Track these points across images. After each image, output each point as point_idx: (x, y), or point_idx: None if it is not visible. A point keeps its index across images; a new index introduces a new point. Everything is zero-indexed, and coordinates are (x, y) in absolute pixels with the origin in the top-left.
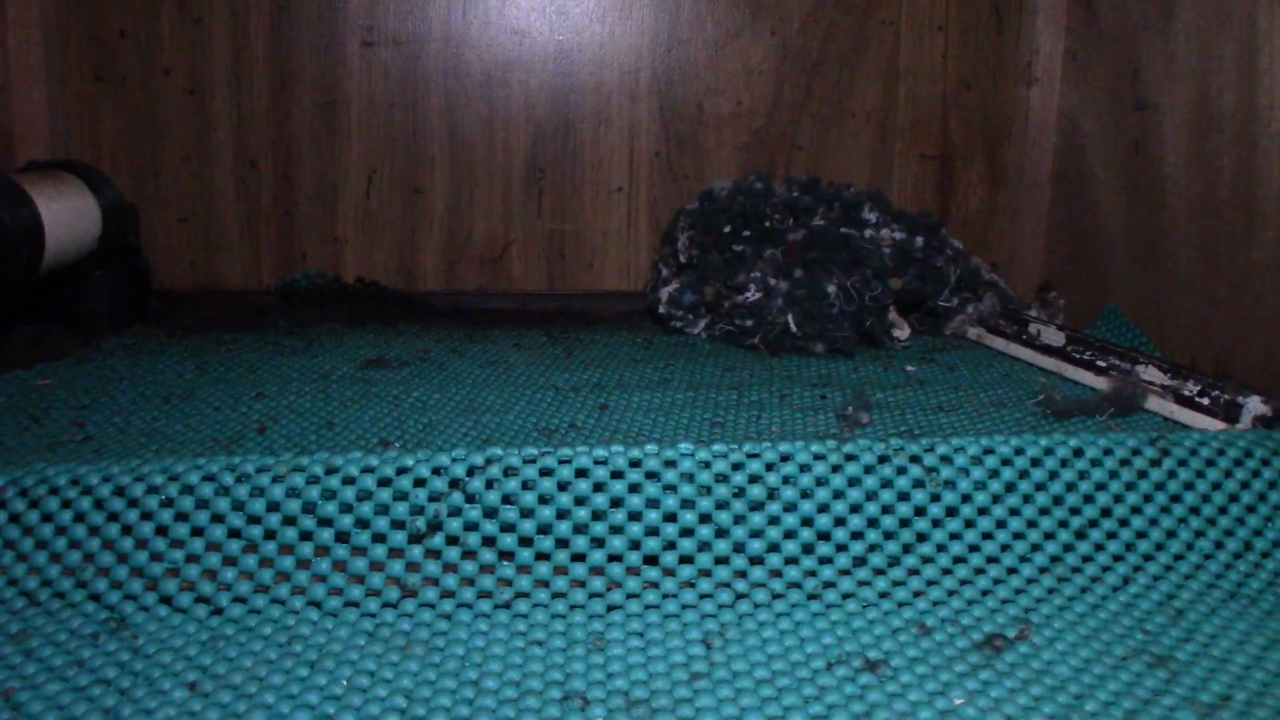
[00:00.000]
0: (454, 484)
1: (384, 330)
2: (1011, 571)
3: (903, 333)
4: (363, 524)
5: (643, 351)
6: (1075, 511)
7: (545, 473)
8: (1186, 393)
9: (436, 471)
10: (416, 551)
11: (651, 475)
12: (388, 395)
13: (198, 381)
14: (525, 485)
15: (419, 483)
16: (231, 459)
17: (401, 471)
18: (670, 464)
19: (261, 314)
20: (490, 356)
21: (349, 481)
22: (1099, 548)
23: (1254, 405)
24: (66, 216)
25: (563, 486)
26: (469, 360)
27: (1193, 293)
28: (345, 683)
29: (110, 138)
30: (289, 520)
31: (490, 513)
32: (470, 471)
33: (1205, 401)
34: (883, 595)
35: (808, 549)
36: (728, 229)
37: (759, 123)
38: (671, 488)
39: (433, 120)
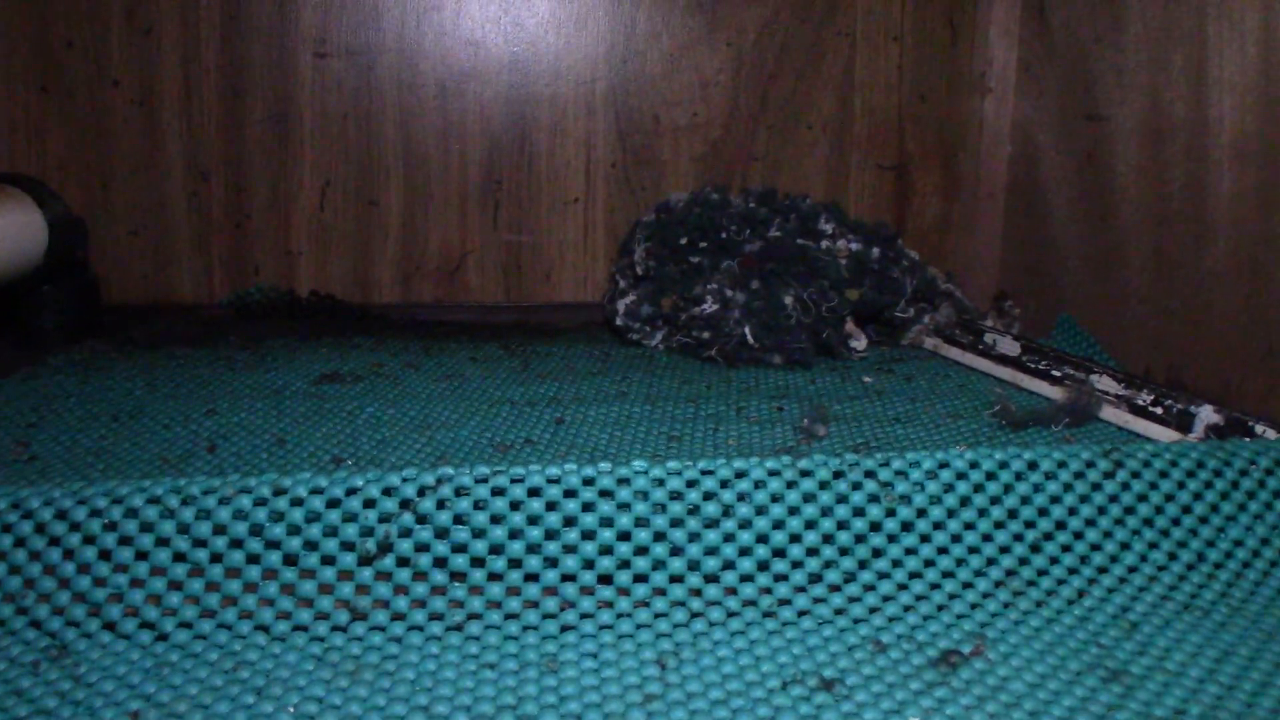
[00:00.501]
0: (404, 504)
1: (339, 344)
2: (967, 586)
3: (860, 344)
4: (311, 546)
5: (600, 364)
6: (1030, 525)
7: (497, 492)
8: (1140, 402)
9: (387, 492)
10: (366, 574)
11: (605, 493)
12: (341, 411)
13: (147, 398)
14: (477, 505)
15: (369, 504)
16: (177, 481)
17: (351, 492)
18: (624, 482)
19: (214, 328)
20: (446, 370)
21: (297, 503)
22: (1054, 561)
23: (1206, 414)
24: (11, 231)
25: (515, 506)
26: (424, 375)
27: (1145, 302)
28: (293, 709)
29: (57, 150)
30: (236, 543)
31: (442, 533)
32: (421, 492)
33: (1159, 411)
34: (838, 612)
35: (763, 566)
36: (684, 240)
37: (715, 134)
38: (625, 505)
39: (388, 131)
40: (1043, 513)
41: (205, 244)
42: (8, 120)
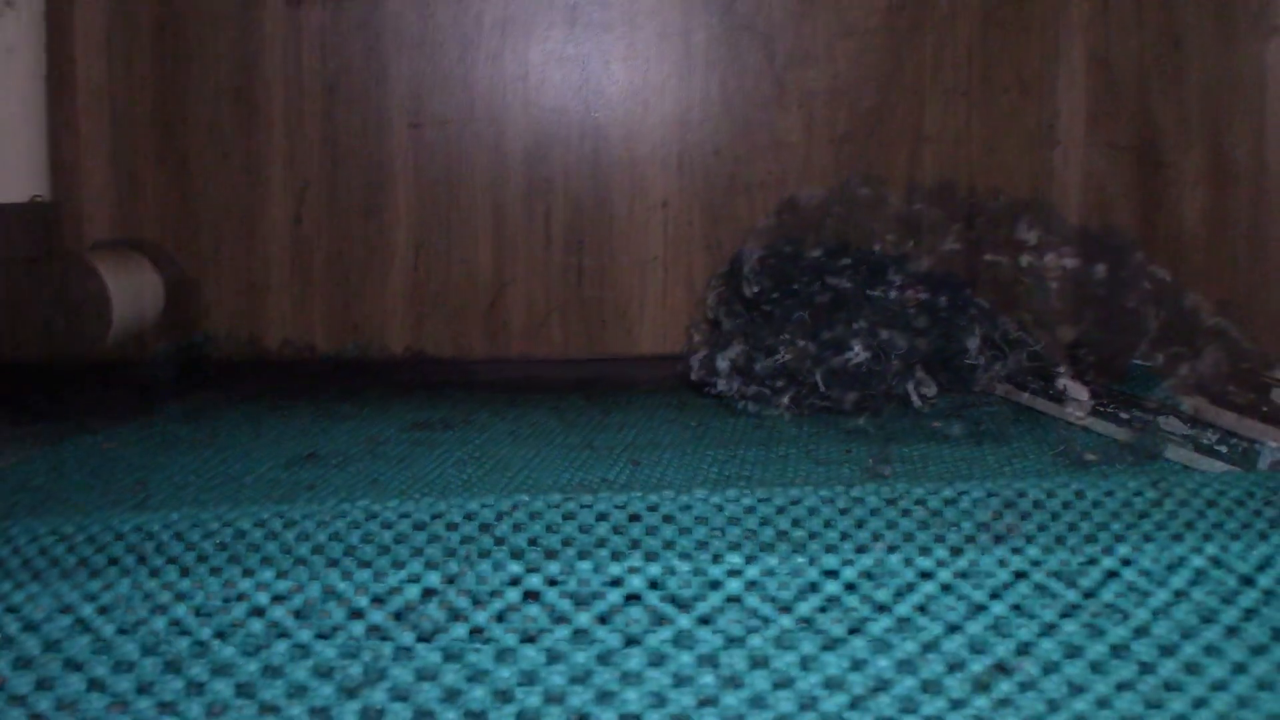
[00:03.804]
0: (484, 528)
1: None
2: (1015, 609)
3: (929, 390)
4: (399, 565)
5: (676, 413)
6: (1075, 552)
7: (568, 516)
8: (1205, 441)
9: (469, 517)
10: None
11: (668, 519)
12: (431, 455)
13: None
14: (550, 528)
15: (451, 527)
16: (279, 506)
17: (436, 517)
18: (686, 508)
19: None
20: (530, 419)
21: (387, 526)
22: (1098, 589)
23: (1272, 450)
24: (132, 290)
25: (585, 529)
26: (510, 423)
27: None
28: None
29: (174, 216)
30: (331, 563)
31: (517, 554)
32: (499, 516)
33: (1224, 449)
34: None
35: (814, 588)
36: (756, 291)
37: (789, 191)
38: (687, 529)
39: (477, 195)
40: (1089, 540)
41: (308, 302)
42: (130, 189)
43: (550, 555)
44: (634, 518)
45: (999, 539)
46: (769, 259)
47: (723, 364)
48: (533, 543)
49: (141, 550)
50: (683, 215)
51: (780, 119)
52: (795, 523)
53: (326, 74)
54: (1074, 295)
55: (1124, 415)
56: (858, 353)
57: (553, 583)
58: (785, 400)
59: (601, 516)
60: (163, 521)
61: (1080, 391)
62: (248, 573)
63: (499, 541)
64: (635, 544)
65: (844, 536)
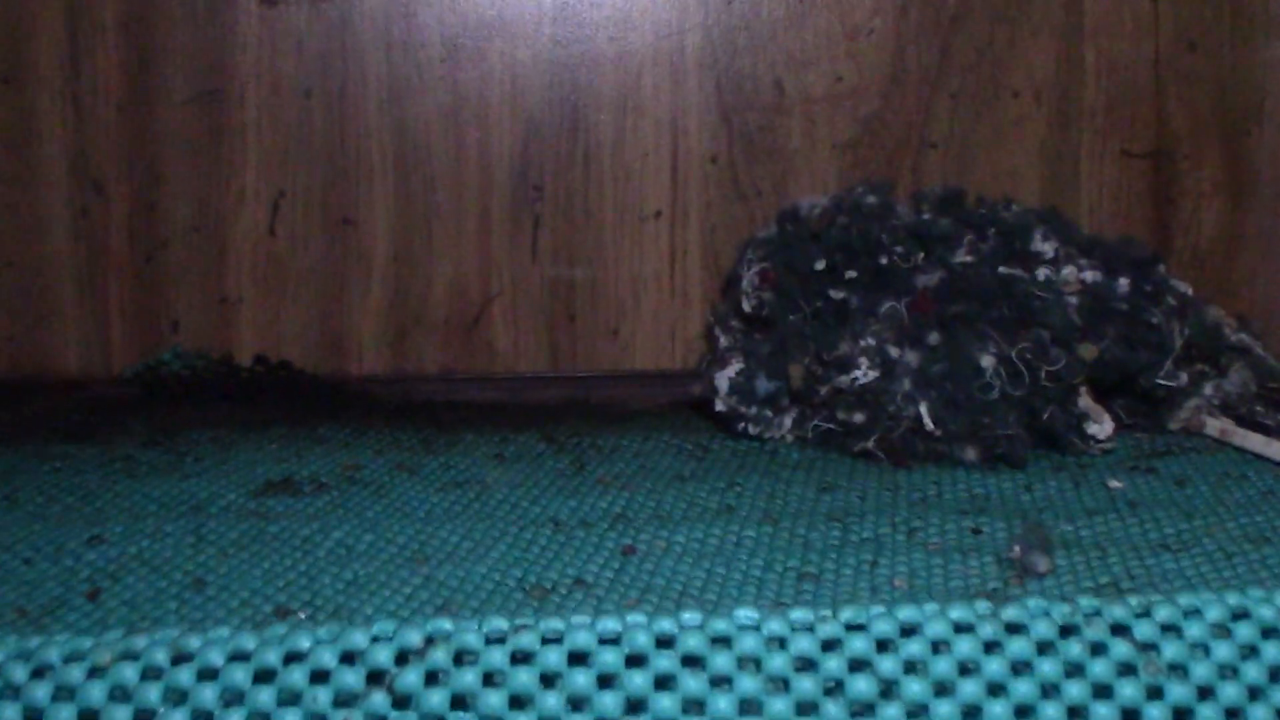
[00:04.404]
0: (376, 677)
1: (295, 437)
2: None
3: (1102, 428)
4: None
5: (694, 464)
6: None
7: (522, 657)
8: None
9: (348, 659)
10: None
11: (693, 660)
12: (294, 538)
13: (4, 520)
14: (489, 679)
15: (319, 676)
16: (26, 642)
17: (293, 658)
18: (722, 641)
19: (110, 414)
20: (458, 474)
21: (209, 675)
22: None
23: None
24: None
25: (548, 681)
26: (424, 481)
27: None
28: None
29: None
30: None
31: None
32: (404, 658)
33: None
34: None
35: None
36: (822, 265)
37: (870, 108)
38: (725, 680)
39: (370, 115)
40: None
41: (99, 287)
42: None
43: None
44: (634, 661)
45: None
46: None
47: (766, 387)
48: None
49: None
50: (701, 146)
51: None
52: (912, 668)
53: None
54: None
55: None
56: (984, 368)
57: None
58: (869, 444)
59: (576, 659)
60: None
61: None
62: None
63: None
64: (637, 705)
65: (993, 692)
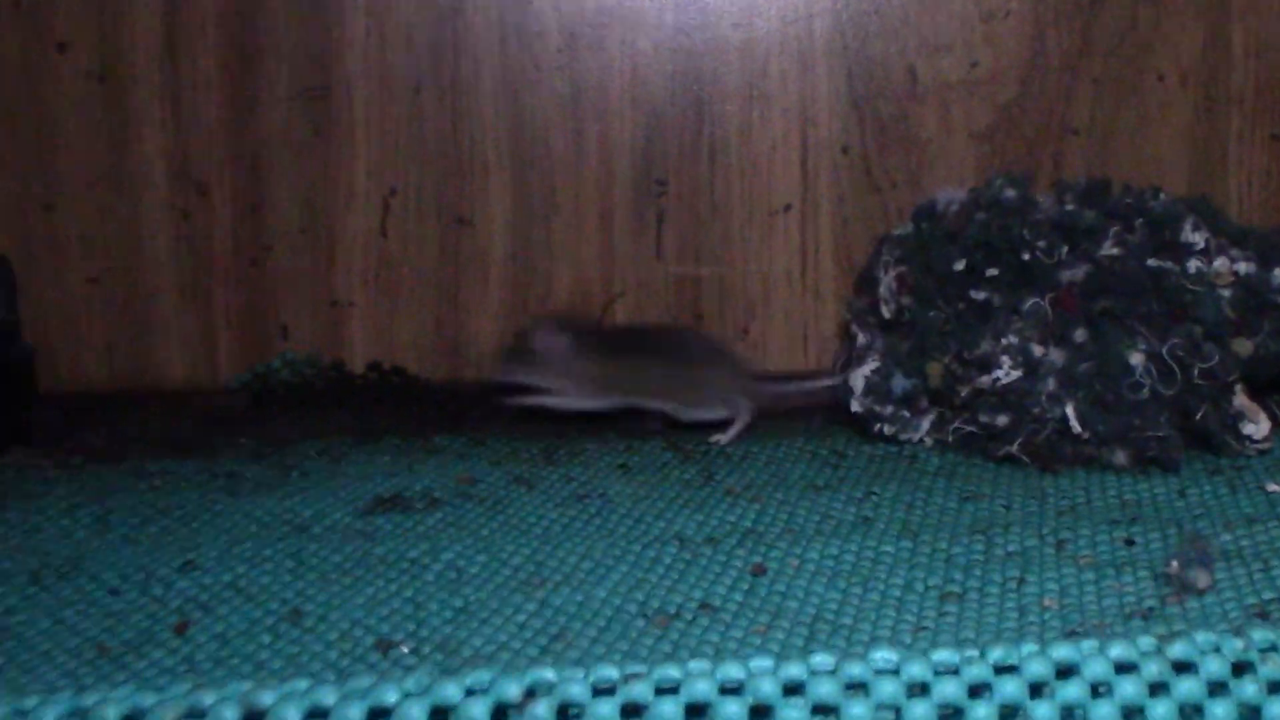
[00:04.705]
0: None
1: (409, 449)
2: None
3: (1258, 428)
4: None
5: (828, 472)
6: None
7: (633, 709)
8: None
9: (439, 715)
10: None
11: (824, 710)
12: (401, 560)
13: (92, 543)
14: None
15: None
16: (80, 700)
17: (378, 716)
18: (857, 688)
19: (216, 427)
20: (578, 487)
21: None
22: None
23: None
24: None
25: None
26: (542, 495)
27: None
28: None
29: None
30: None
31: None
32: (501, 713)
33: None
34: None
35: None
36: (961, 265)
37: (1008, 94)
38: None
39: (484, 108)
40: None
41: (203, 293)
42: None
43: None
44: (759, 711)
45: None
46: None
47: (904, 387)
48: None
49: None
50: (831, 135)
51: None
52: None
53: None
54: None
55: None
56: (1133, 367)
57: None
58: (1013, 448)
59: (694, 711)
60: None
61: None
62: None
63: None
64: None
65: None
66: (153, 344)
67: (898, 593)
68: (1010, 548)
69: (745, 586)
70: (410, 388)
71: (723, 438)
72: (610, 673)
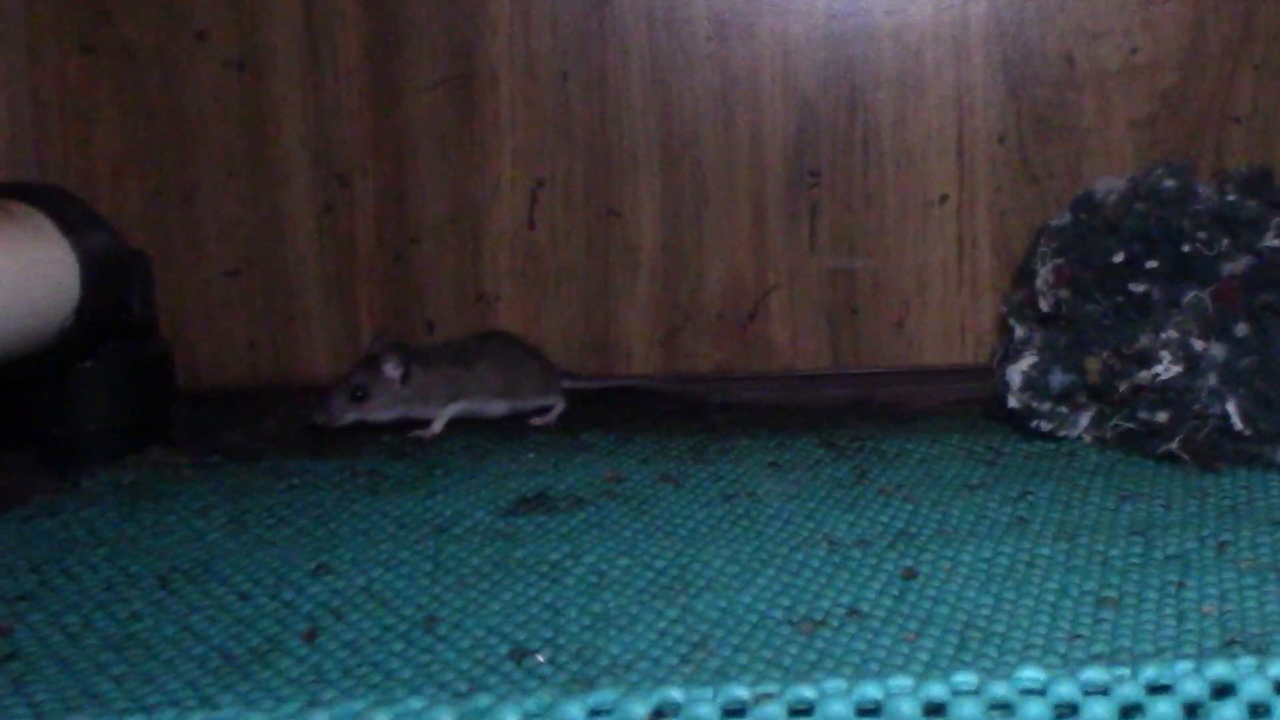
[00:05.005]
0: None
1: (555, 444)
2: None
3: None
4: None
5: (984, 471)
6: None
7: None
8: None
9: None
10: None
11: None
12: (543, 562)
13: (224, 546)
14: None
15: None
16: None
17: None
18: (1004, 709)
19: (356, 425)
20: (727, 485)
21: None
22: None
23: None
24: (8, 277)
25: None
26: (690, 493)
27: None
28: None
29: (108, 143)
30: None
31: None
32: None
33: None
34: None
35: None
36: (1120, 257)
37: (1168, 81)
38: None
39: (633, 97)
40: None
41: (347, 287)
42: (31, 95)
43: None
44: None
45: None
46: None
47: (1061, 382)
48: None
49: None
50: (987, 124)
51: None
52: None
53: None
54: None
55: None
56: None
57: None
58: (1172, 446)
59: None
60: None
61: None
62: None
63: None
64: None
65: None
66: (295, 339)
67: (1052, 598)
68: (1169, 550)
69: (895, 591)
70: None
71: (539, 420)
72: (740, 692)
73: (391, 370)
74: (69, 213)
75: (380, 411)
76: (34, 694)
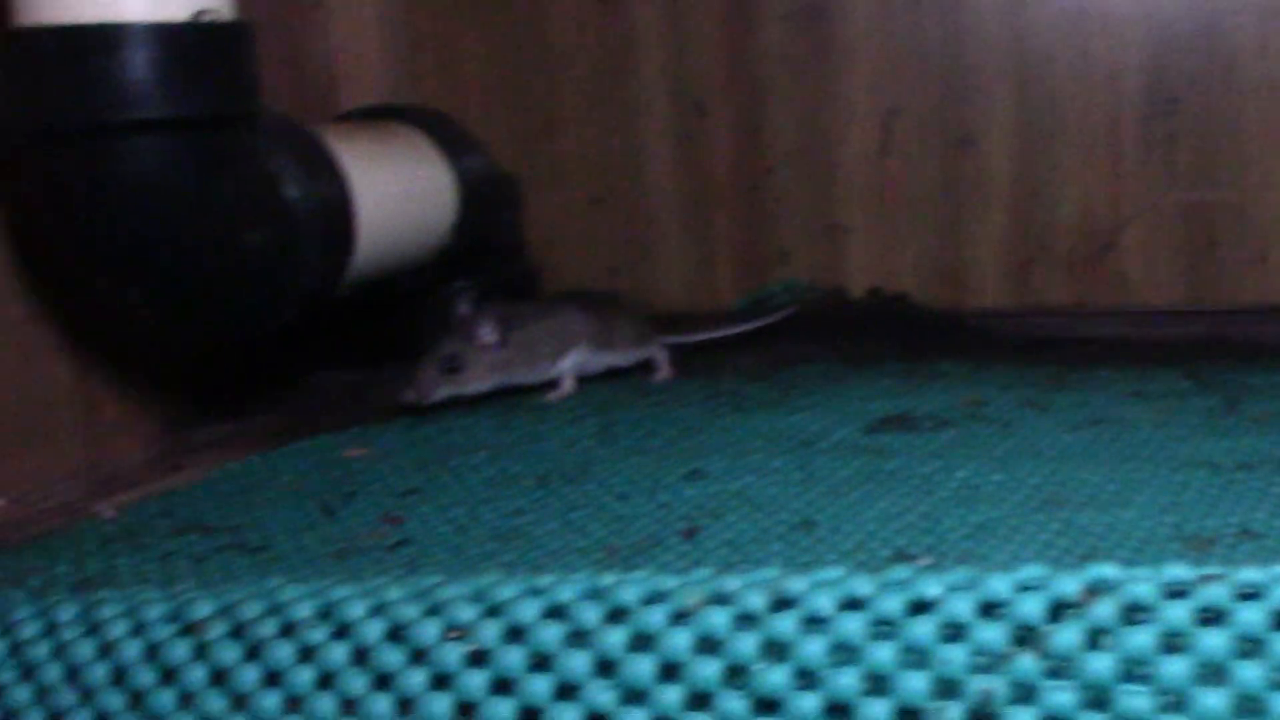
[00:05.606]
0: (1023, 636)
1: (913, 371)
2: None
3: None
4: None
5: None
6: None
7: (1209, 618)
8: None
9: (988, 610)
10: None
11: None
12: (912, 475)
13: (597, 453)
14: (1169, 640)
15: (951, 630)
16: (598, 580)
17: (920, 609)
18: None
19: (715, 348)
20: (1092, 412)
21: (814, 625)
22: None
23: None
24: (396, 193)
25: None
26: (1054, 418)
27: None
28: None
29: (477, 75)
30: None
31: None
32: (1058, 610)
33: None
34: None
35: None
36: None
37: None
38: None
39: (987, 23)
40: None
41: (702, 217)
42: (406, 29)
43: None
44: None
45: None
46: None
47: None
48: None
49: None
50: None
51: None
52: None
53: None
54: None
55: None
56: None
57: None
58: None
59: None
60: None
61: None
62: None
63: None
64: None
65: None
66: (653, 266)
67: None
68: None
69: None
70: (910, 315)
71: (658, 376)
72: (1183, 573)
73: (488, 335)
74: (447, 134)
75: (476, 382)
76: (418, 570)
